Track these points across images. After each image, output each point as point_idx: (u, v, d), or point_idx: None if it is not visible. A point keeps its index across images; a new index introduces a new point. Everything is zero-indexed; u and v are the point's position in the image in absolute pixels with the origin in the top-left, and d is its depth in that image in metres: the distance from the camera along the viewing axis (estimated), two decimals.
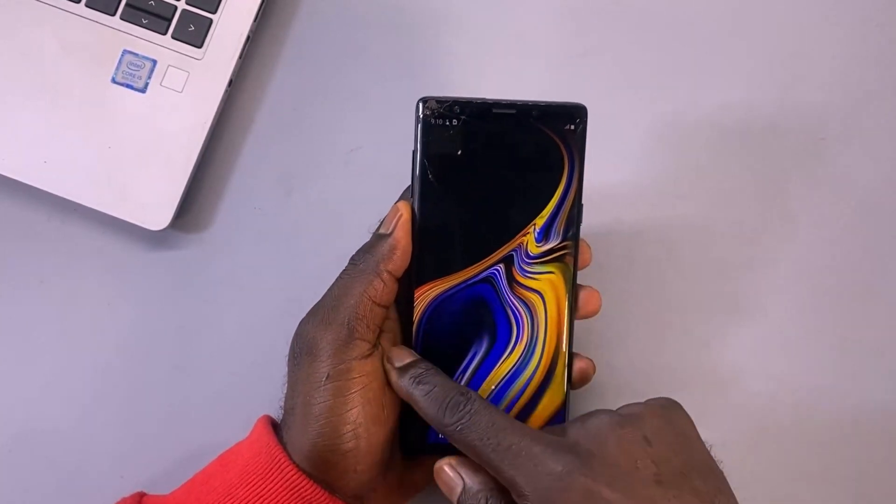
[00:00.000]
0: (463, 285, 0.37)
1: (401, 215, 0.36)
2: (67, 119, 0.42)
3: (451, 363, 0.37)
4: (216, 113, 0.43)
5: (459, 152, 0.36)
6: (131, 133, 0.43)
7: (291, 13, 0.46)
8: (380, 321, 0.36)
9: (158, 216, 0.42)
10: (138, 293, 0.43)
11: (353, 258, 0.36)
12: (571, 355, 0.37)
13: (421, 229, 0.36)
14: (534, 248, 0.37)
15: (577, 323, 0.38)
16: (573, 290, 0.37)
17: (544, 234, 0.37)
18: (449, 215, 0.36)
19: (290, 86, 0.45)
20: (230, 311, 0.43)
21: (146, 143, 0.43)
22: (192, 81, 0.43)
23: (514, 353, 0.37)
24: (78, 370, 0.43)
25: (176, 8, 0.43)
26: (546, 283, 0.37)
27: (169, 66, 0.43)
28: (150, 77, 0.43)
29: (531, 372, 0.37)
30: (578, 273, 0.37)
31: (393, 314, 0.37)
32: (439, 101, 0.35)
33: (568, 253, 0.37)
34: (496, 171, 0.36)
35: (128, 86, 0.43)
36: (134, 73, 0.43)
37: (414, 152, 0.36)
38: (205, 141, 0.43)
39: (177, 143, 0.43)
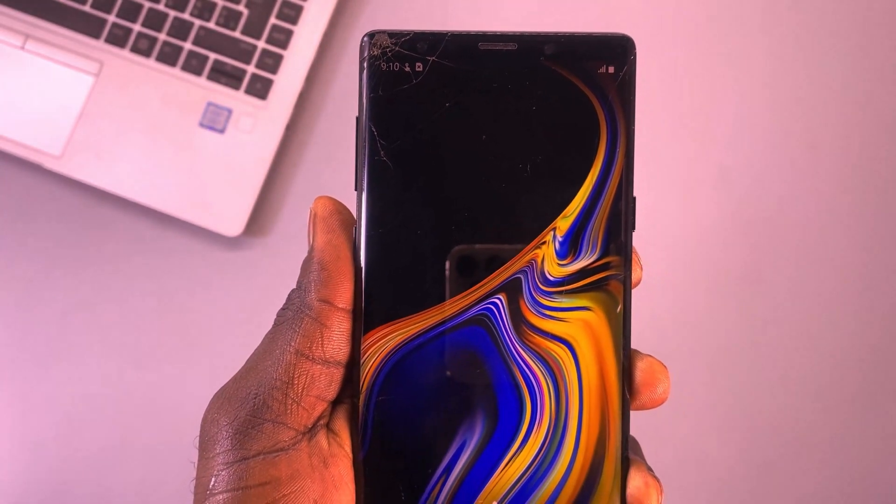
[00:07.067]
0: (438, 331, 0.25)
1: (314, 215, 0.26)
2: (166, 153, 0.57)
3: (423, 463, 0.24)
4: (277, 148, 0.58)
5: (428, 115, 0.25)
6: (213, 164, 0.57)
7: (334, 74, 0.61)
8: (320, 388, 0.24)
9: (233, 225, 0.57)
10: (218, 283, 0.58)
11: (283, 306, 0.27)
12: (626, 455, 0.25)
13: (369, 240, 0.25)
14: (555, 268, 0.24)
15: None
16: (626, 337, 0.25)
17: (572, 244, 0.24)
18: (413, 216, 0.25)
19: (334, 128, 0.60)
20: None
21: (224, 172, 0.57)
22: (259, 125, 0.58)
23: (527, 446, 0.24)
24: (177, 346, 0.57)
25: (247, 71, 0.58)
26: (578, 327, 0.24)
27: (241, 113, 0.58)
28: (227, 122, 0.58)
29: (558, 478, 0.24)
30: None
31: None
32: (395, 34, 0.25)
33: (614, 276, 0.24)
34: (488, 143, 0.25)
35: (210, 128, 0.57)
36: (215, 118, 0.58)
37: (358, 119, 0.26)
38: (269, 170, 0.57)
39: (247, 172, 0.57)
